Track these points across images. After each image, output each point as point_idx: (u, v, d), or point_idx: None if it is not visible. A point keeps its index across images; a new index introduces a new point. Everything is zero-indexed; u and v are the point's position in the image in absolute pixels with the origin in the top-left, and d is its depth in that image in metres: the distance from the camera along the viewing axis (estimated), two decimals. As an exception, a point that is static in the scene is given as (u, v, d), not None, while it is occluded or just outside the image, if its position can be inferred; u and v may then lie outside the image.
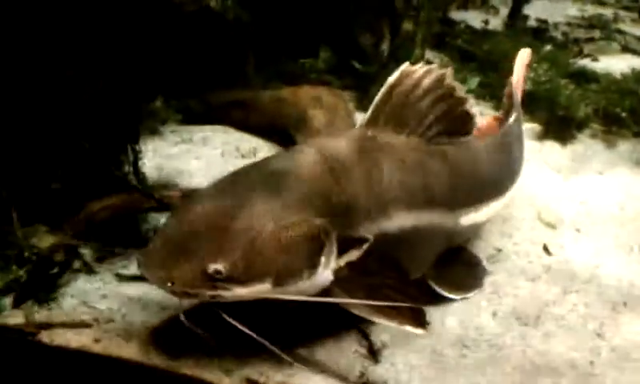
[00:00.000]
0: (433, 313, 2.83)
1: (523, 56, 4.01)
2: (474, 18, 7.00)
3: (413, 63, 2.91)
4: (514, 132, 3.50)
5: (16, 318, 2.67)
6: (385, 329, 2.72)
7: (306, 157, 2.63)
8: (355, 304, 2.46)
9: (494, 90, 5.37)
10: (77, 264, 3.01)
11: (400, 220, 2.69)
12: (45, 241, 2.99)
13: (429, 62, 3.02)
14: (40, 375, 2.54)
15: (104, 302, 2.81)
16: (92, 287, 2.90)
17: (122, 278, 2.95)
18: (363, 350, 2.69)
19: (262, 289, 2.33)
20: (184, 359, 2.49)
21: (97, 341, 2.57)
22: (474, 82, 5.50)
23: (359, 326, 2.75)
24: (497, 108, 5.24)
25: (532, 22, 6.98)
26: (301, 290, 2.42)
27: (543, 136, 4.87)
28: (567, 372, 2.67)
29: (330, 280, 2.48)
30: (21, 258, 2.88)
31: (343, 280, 2.49)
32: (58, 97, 3.01)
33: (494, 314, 2.97)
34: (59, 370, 2.55)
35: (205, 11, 3.91)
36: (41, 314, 2.70)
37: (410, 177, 2.78)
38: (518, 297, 3.10)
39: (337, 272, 2.49)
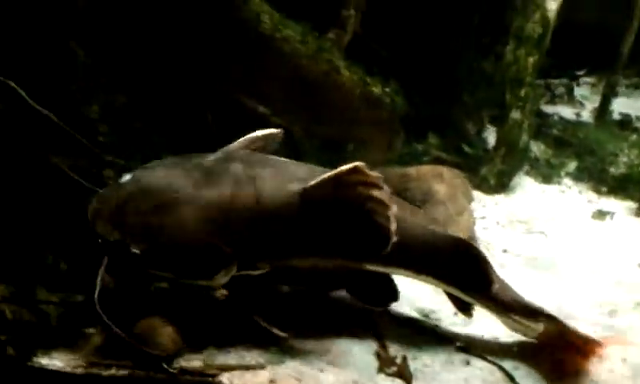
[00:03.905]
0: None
1: None
2: (563, 111, 7.58)
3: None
4: None
5: (195, 362, 2.85)
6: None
7: (244, 192, 2.95)
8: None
9: (591, 173, 6.02)
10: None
11: (297, 262, 3.09)
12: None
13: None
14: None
15: (274, 345, 2.98)
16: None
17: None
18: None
19: (167, 276, 2.97)
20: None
21: (272, 382, 2.79)
22: (572, 165, 6.16)
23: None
24: (595, 189, 5.85)
25: (616, 115, 7.50)
26: (202, 284, 2.99)
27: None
28: None
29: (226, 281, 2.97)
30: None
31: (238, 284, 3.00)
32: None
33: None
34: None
35: (366, 95, 4.63)
36: (219, 358, 2.90)
37: (315, 233, 3.02)
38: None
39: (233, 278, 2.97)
